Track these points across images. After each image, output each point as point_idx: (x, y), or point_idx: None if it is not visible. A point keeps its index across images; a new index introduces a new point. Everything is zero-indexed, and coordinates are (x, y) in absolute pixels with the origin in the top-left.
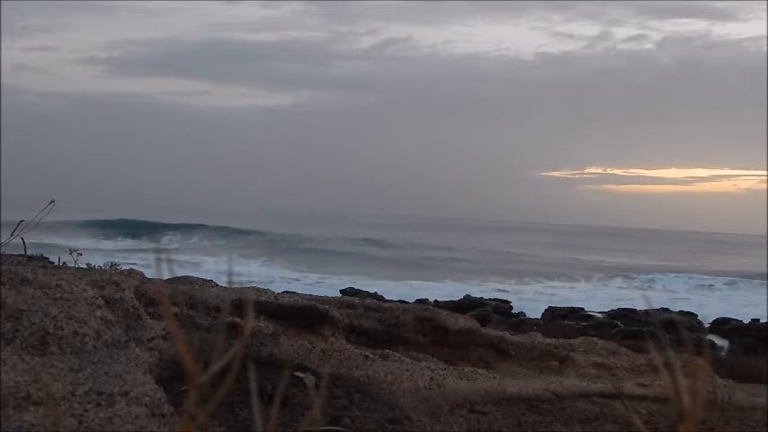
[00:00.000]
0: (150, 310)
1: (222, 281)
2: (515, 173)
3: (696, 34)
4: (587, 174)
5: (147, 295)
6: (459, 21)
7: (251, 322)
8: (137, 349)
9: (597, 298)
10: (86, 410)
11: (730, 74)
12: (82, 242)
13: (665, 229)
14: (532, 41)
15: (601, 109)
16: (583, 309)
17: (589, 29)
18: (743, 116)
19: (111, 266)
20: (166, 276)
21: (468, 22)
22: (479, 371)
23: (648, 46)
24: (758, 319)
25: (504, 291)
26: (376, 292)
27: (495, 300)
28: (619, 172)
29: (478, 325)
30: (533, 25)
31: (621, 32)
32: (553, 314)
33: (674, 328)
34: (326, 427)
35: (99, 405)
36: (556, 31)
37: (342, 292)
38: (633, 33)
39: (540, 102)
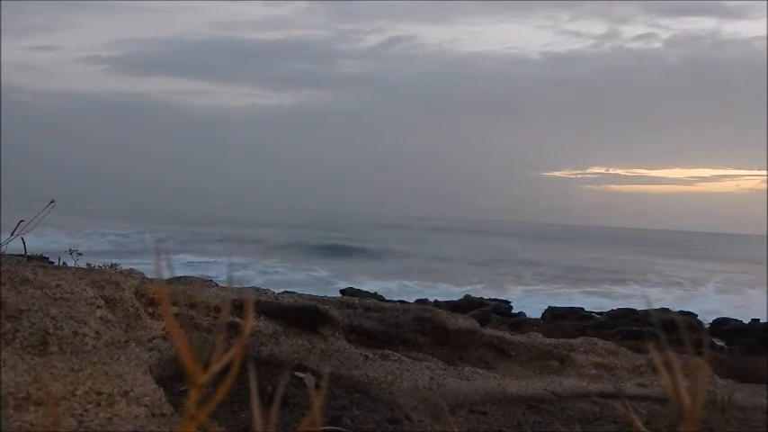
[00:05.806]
0: (150, 310)
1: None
2: (517, 173)
3: (705, 33)
4: (589, 173)
5: (147, 295)
6: (464, 19)
7: (251, 322)
8: (137, 349)
9: (597, 298)
10: (86, 410)
11: (739, 73)
12: (81, 242)
13: (667, 228)
14: (539, 40)
15: (605, 108)
16: (583, 309)
17: (596, 27)
18: (747, 116)
19: (111, 266)
20: (166, 276)
21: (473, 21)
22: (479, 371)
23: (657, 44)
24: (758, 319)
25: (504, 290)
26: (376, 292)
27: (495, 300)
28: (621, 172)
29: (478, 325)
30: (540, 24)
31: (629, 31)
32: (553, 314)
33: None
34: (326, 427)
35: (99, 405)
36: (563, 29)
37: (342, 292)
38: (641, 32)
39: (545, 101)
